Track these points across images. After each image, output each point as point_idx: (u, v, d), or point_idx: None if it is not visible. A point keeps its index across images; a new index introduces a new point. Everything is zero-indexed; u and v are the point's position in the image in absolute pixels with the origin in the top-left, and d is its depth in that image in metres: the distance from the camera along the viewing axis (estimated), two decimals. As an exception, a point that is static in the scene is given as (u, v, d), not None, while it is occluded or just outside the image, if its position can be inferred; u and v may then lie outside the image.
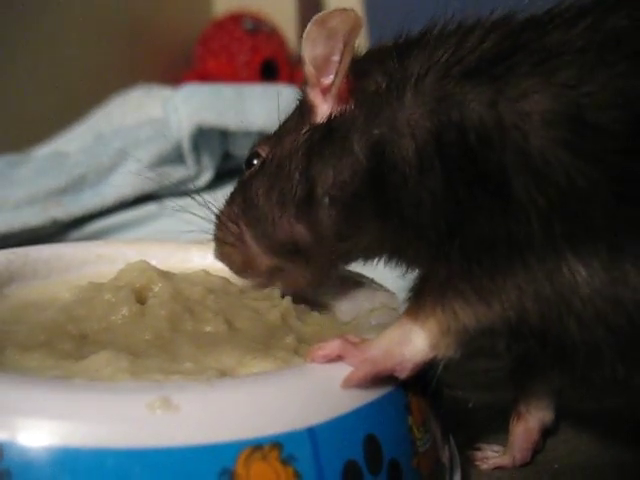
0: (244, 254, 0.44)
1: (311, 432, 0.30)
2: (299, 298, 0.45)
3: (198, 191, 0.81)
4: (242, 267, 0.45)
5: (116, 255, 0.51)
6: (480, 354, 0.46)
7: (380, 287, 0.47)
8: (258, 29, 1.77)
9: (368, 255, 0.43)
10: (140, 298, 0.42)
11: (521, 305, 0.33)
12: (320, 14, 0.39)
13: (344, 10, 0.39)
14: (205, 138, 0.86)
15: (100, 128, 1.03)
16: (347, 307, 0.46)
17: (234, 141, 0.88)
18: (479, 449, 0.46)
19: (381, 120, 0.37)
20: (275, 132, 0.44)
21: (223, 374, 0.34)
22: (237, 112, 0.83)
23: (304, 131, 0.41)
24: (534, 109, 0.33)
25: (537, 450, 0.46)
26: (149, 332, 0.39)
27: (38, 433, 0.28)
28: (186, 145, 0.85)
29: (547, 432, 0.46)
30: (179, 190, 0.84)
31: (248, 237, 0.43)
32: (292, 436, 0.30)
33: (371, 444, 0.32)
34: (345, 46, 0.39)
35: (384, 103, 0.37)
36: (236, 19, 1.78)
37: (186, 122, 0.84)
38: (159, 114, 0.93)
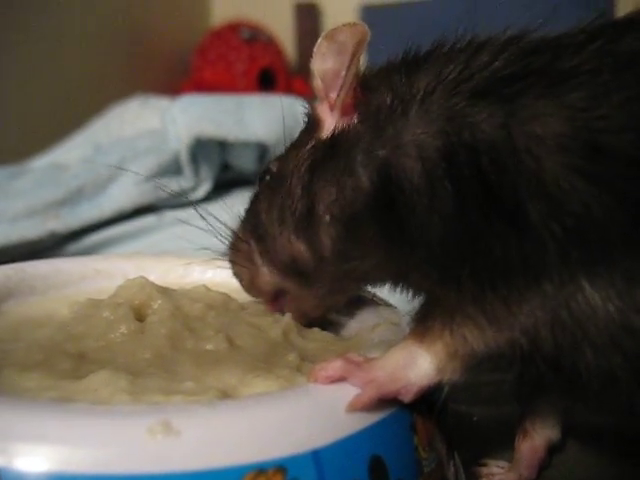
0: (251, 273, 0.43)
1: (316, 455, 0.30)
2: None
3: (197, 202, 0.81)
4: (250, 287, 0.44)
5: (114, 270, 0.51)
6: (484, 368, 0.46)
7: (382, 301, 0.46)
8: (256, 38, 1.77)
9: (372, 279, 0.42)
10: (139, 315, 0.41)
11: (534, 331, 0.32)
12: (330, 30, 0.39)
13: (353, 24, 0.38)
14: (203, 149, 0.85)
15: (98, 139, 1.03)
16: (349, 322, 0.45)
17: (233, 152, 0.87)
18: (484, 465, 0.45)
19: (385, 139, 0.36)
20: (286, 149, 0.43)
21: (225, 394, 0.34)
22: (236, 123, 0.83)
23: (308, 147, 0.40)
24: (546, 133, 0.32)
25: (543, 467, 0.45)
26: (149, 350, 0.38)
27: (35, 458, 0.27)
28: (184, 156, 0.85)
29: (554, 448, 0.45)
30: (178, 202, 0.84)
31: (256, 255, 0.42)
32: (296, 459, 0.29)
33: (377, 465, 0.32)
34: (352, 59, 0.38)
35: (388, 119, 0.36)
36: (234, 28, 1.79)
37: (184, 133, 0.84)
38: (157, 125, 0.93)
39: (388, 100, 0.37)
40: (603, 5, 0.36)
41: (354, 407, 0.32)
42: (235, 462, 0.28)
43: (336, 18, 1.72)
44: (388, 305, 0.46)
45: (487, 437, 0.48)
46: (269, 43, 1.78)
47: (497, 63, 0.35)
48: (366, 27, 0.38)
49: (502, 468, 0.45)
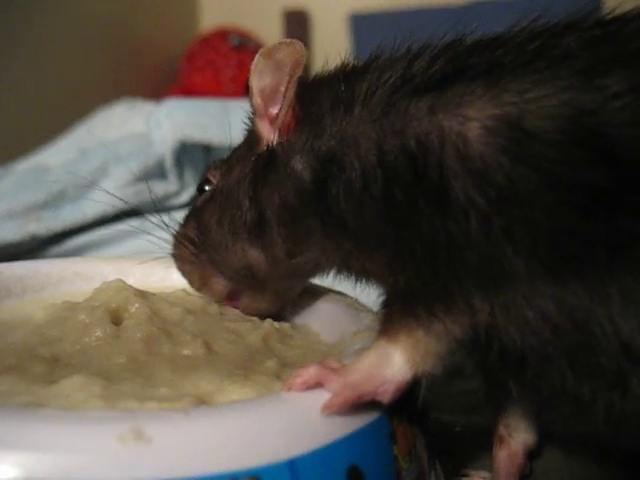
0: (201, 274, 0.45)
1: (291, 464, 0.29)
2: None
3: (182, 207, 0.80)
4: (201, 286, 0.45)
5: (93, 273, 0.50)
6: (465, 375, 0.45)
7: (364, 308, 0.45)
8: (244, 45, 1.76)
9: (320, 270, 0.44)
10: (116, 319, 0.41)
11: (470, 305, 0.33)
12: (266, 47, 0.40)
13: (290, 42, 0.40)
14: (188, 153, 0.85)
15: (83, 142, 1.01)
16: (331, 329, 0.44)
17: (217, 157, 0.86)
18: (467, 475, 0.45)
19: (328, 136, 0.38)
20: (226, 159, 0.45)
21: (200, 400, 0.33)
22: (221, 127, 0.82)
23: (251, 160, 0.42)
24: (475, 114, 0.33)
25: (526, 475, 0.44)
26: (124, 355, 0.37)
27: (3, 466, 0.26)
28: (169, 160, 0.84)
29: (533, 454, 0.45)
30: (162, 206, 0.83)
31: (204, 260, 0.44)
32: (271, 469, 0.28)
33: (354, 476, 0.31)
34: (290, 78, 0.40)
35: (330, 122, 0.38)
36: (222, 35, 1.78)
37: (169, 137, 0.83)
38: (142, 129, 0.92)
39: (329, 105, 0.39)
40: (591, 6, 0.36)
41: (329, 409, 0.32)
42: (208, 471, 0.27)
43: (325, 25, 1.73)
44: (370, 311, 0.45)
45: (469, 447, 0.48)
46: (258, 50, 1.77)
47: (435, 67, 0.36)
48: (303, 47, 0.40)
49: (484, 478, 0.45)
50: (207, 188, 0.45)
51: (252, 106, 0.43)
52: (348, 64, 0.41)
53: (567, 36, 0.35)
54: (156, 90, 1.57)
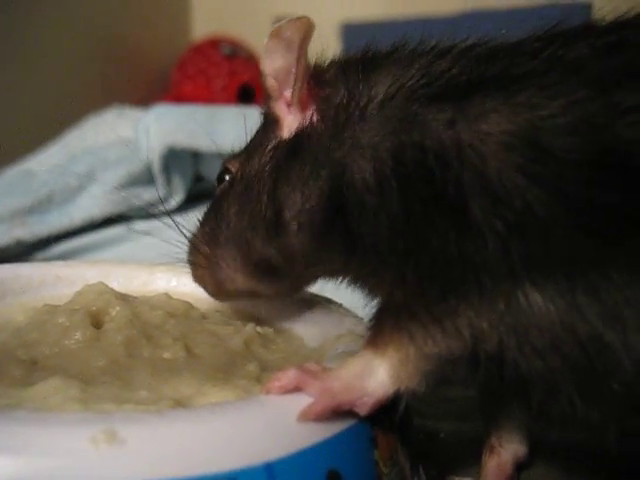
0: (216, 276, 0.42)
1: (269, 468, 0.28)
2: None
3: (169, 213, 0.80)
4: (216, 290, 0.43)
5: (76, 277, 0.49)
6: (451, 382, 0.45)
7: (348, 312, 0.45)
8: (236, 54, 1.76)
9: (336, 277, 0.42)
10: (96, 322, 0.40)
11: (475, 329, 0.32)
12: (274, 27, 0.39)
13: (297, 18, 0.38)
14: (176, 159, 0.84)
15: (73, 149, 1.01)
16: (314, 333, 0.44)
17: (206, 163, 0.86)
18: (451, 482, 0.44)
19: (344, 140, 0.36)
20: (245, 147, 0.43)
21: (179, 404, 0.32)
22: (209, 134, 0.82)
23: (270, 147, 0.40)
24: (492, 129, 0.32)
25: (511, 484, 0.44)
26: (103, 358, 0.37)
27: (-27, 468, 0.26)
28: (157, 166, 0.83)
29: (521, 465, 0.44)
30: (149, 212, 0.82)
31: (220, 258, 0.42)
32: (248, 472, 0.28)
33: (334, 480, 0.30)
34: (300, 53, 0.38)
35: (346, 121, 0.36)
36: (214, 44, 1.78)
37: (157, 143, 0.82)
38: (131, 135, 0.91)
39: (345, 99, 0.37)
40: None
41: (306, 416, 0.31)
42: (183, 474, 0.27)
43: (316, 35, 1.73)
44: (354, 316, 0.45)
45: (454, 453, 0.47)
46: (249, 59, 1.78)
47: (454, 70, 0.35)
48: (311, 20, 0.38)
49: (469, 486, 0.44)
50: (227, 178, 0.43)
51: (267, 89, 0.41)
52: (369, 51, 0.39)
53: (580, 43, 0.34)
54: (147, 98, 1.57)
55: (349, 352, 0.37)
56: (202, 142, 0.82)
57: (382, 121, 0.35)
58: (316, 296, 0.47)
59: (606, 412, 0.33)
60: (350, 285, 0.40)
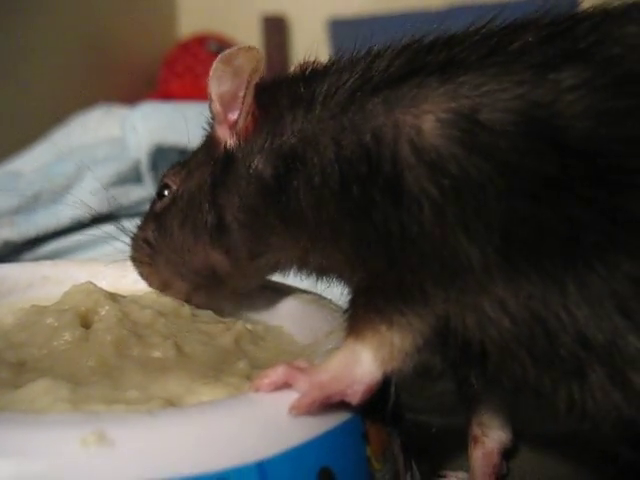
0: (160, 277, 0.45)
1: (260, 467, 0.28)
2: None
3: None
4: (161, 287, 0.46)
5: (64, 276, 0.49)
6: (441, 376, 0.45)
7: (338, 309, 0.45)
8: (223, 51, 1.76)
9: (281, 268, 0.44)
10: (85, 322, 0.40)
11: (429, 297, 0.33)
12: (225, 52, 0.40)
13: (248, 48, 0.40)
14: (164, 157, 0.83)
15: (59, 148, 1.00)
16: (305, 330, 0.44)
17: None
18: (444, 476, 0.44)
19: (289, 135, 0.38)
20: (184, 163, 0.46)
21: (170, 403, 0.32)
22: (197, 131, 0.81)
23: (209, 166, 0.42)
24: (430, 108, 0.34)
25: (503, 475, 0.44)
26: (93, 358, 0.36)
27: (-40, 471, 0.26)
28: (144, 165, 0.83)
29: (508, 453, 0.45)
30: (137, 211, 0.82)
31: (162, 263, 0.44)
32: (240, 471, 0.28)
33: (326, 477, 0.30)
34: (248, 84, 0.40)
35: (291, 120, 0.38)
36: (201, 41, 1.77)
37: (145, 141, 0.82)
38: (118, 133, 0.91)
39: (289, 105, 0.39)
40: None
41: (297, 410, 0.31)
42: (173, 474, 0.27)
43: (304, 31, 1.72)
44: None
45: (446, 448, 0.47)
46: (237, 55, 1.78)
47: (394, 66, 0.37)
48: (261, 52, 0.40)
49: (462, 479, 0.44)
50: (166, 193, 0.45)
51: (211, 112, 0.43)
52: (308, 66, 0.41)
53: (524, 33, 0.35)
54: (135, 96, 1.56)
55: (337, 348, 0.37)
56: (189, 139, 0.82)
57: (325, 112, 0.37)
58: (306, 292, 0.47)
59: (555, 378, 0.33)
60: (318, 277, 0.42)
